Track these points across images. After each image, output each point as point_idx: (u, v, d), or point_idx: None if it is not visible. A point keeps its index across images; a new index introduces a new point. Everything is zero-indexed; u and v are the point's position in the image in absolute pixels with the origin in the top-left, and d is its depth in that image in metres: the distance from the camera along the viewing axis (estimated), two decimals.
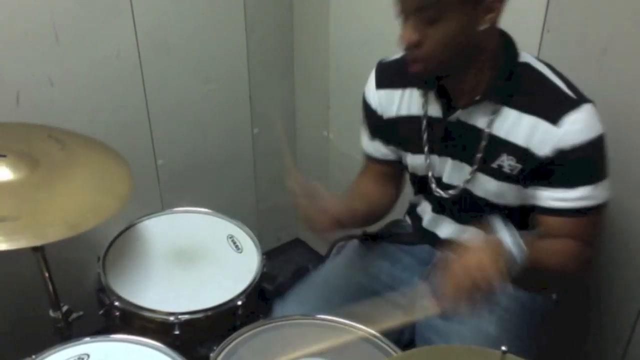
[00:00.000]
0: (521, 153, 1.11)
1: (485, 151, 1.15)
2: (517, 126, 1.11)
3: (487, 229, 1.06)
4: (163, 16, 1.73)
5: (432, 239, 1.35)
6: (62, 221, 1.17)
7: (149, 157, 1.87)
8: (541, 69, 1.12)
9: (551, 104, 1.08)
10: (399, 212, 1.52)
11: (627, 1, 1.21)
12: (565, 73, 1.13)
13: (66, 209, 1.20)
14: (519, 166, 1.12)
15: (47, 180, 1.25)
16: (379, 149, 1.35)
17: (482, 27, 1.04)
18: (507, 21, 1.12)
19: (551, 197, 1.12)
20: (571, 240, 1.12)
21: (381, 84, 1.28)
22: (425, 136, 1.22)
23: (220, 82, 1.93)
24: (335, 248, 1.49)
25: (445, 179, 1.24)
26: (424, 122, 1.22)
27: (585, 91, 1.10)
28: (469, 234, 1.22)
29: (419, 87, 1.20)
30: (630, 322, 1.41)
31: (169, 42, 1.76)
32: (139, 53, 1.71)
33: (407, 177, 1.38)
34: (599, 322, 1.49)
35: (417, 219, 1.40)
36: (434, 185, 1.26)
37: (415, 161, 1.28)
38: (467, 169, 1.19)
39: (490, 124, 1.13)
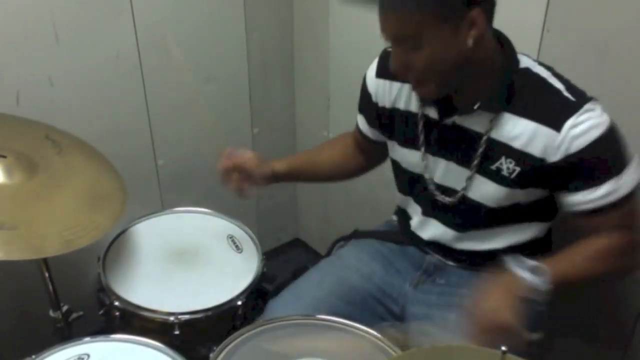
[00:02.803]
0: (520, 156, 1.11)
1: (483, 154, 1.14)
2: (516, 131, 1.10)
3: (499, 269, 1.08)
4: (163, 16, 1.73)
5: (418, 241, 1.35)
6: (59, 236, 1.16)
7: (149, 157, 1.87)
8: (541, 73, 1.11)
9: (552, 109, 1.07)
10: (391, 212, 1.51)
11: (627, 1, 1.20)
12: (565, 73, 1.12)
13: (63, 224, 1.20)
14: (518, 169, 1.12)
15: (44, 188, 1.24)
16: (363, 124, 1.39)
17: (469, 42, 1.02)
18: (507, 21, 1.12)
19: (577, 201, 1.10)
20: (612, 233, 1.10)
21: (382, 73, 1.28)
22: (422, 136, 1.22)
23: (220, 82, 1.93)
24: (335, 248, 1.48)
25: (437, 180, 1.24)
26: (421, 122, 1.22)
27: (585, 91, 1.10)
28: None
29: (424, 104, 1.20)
30: (630, 322, 1.41)
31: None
32: (139, 53, 1.71)
33: (395, 174, 1.37)
34: (599, 322, 1.48)
35: (405, 222, 1.39)
36: (431, 187, 1.25)
37: (409, 158, 1.27)
38: (463, 171, 1.19)
39: (488, 128, 1.12)
